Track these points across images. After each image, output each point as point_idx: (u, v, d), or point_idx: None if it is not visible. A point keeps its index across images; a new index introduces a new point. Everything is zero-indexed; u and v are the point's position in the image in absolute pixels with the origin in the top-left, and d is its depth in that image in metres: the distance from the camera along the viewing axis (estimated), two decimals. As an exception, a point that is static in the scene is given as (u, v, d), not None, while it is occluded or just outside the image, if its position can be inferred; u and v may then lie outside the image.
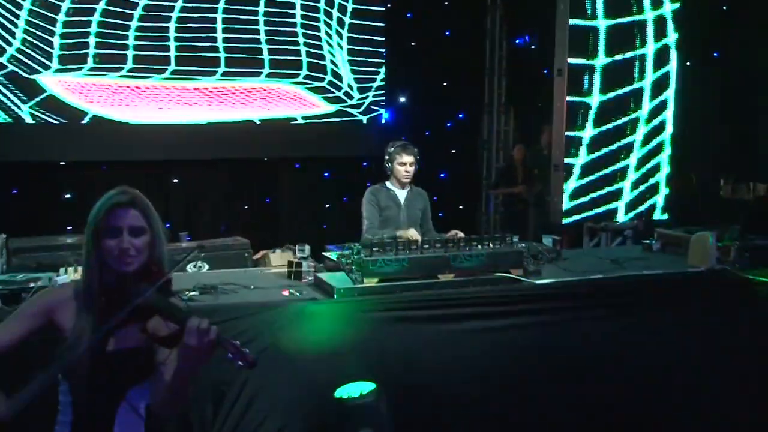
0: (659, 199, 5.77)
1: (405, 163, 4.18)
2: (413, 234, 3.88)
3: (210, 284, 3.32)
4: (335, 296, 3.19)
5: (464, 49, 8.19)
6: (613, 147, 5.55)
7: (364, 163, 8.20)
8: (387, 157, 4.21)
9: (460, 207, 8.84)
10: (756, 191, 5.55)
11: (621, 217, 5.78)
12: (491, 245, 3.44)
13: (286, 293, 3.28)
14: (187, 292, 3.20)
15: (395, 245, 3.29)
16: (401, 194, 4.26)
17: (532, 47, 8.16)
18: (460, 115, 8.63)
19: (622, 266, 3.87)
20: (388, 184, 4.30)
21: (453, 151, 8.58)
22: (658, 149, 5.76)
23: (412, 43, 7.99)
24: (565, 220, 5.51)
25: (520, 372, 3.25)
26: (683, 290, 3.57)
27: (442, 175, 8.72)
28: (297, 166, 7.93)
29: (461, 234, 3.89)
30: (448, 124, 8.46)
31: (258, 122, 7.11)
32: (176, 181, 7.36)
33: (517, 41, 8.44)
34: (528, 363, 3.27)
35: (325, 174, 8.11)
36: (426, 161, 8.54)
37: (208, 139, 7.05)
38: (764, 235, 4.15)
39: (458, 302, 3.27)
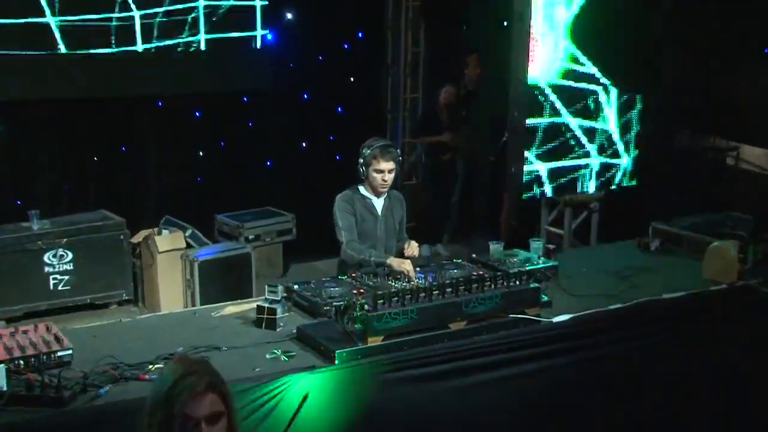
0: (624, 162, 6.17)
1: (383, 171, 4.23)
2: (409, 269, 3.95)
3: (171, 353, 3.22)
4: (336, 361, 3.22)
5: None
6: (577, 106, 5.82)
7: (244, 98, 8.02)
8: (361, 160, 4.18)
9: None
10: (740, 155, 6.06)
11: (587, 188, 6.14)
12: (506, 284, 3.61)
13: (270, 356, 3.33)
14: (150, 366, 3.10)
15: (402, 296, 3.37)
16: (378, 203, 4.36)
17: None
18: (359, 34, 8.56)
19: (631, 282, 4.23)
20: (361, 189, 4.34)
21: (352, 79, 8.56)
22: (629, 105, 6.11)
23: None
24: (525, 195, 5.78)
25: (543, 419, 3.53)
26: (708, 312, 4.02)
27: (339, 109, 8.73)
28: (159, 104, 7.57)
29: (414, 246, 4.10)
30: (346, 46, 8.38)
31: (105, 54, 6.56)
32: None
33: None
34: (550, 409, 3.58)
35: (197, 113, 7.82)
36: (320, 92, 8.52)
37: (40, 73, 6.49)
38: None
39: (473, 352, 3.50)
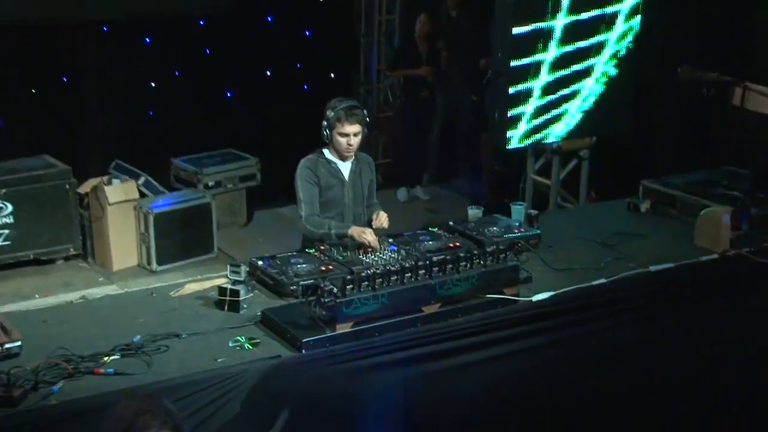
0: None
1: (348, 134, 4.34)
2: (371, 239, 4.10)
3: (127, 343, 3.38)
4: (304, 350, 3.40)
5: None
6: (573, 68, 5.90)
7: (200, 22, 8.01)
8: (325, 123, 4.28)
9: (332, 75, 9.00)
10: (748, 99, 6.14)
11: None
12: (483, 262, 3.77)
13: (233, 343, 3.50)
14: (105, 358, 3.25)
15: (372, 279, 3.52)
16: (344, 167, 4.46)
17: None
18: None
19: (618, 251, 4.43)
20: (327, 153, 4.45)
21: (321, -1, 8.58)
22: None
23: None
24: (510, 146, 5.90)
25: (522, 401, 3.78)
26: (699, 284, 4.25)
27: (307, 33, 8.76)
28: (104, 29, 7.56)
29: (383, 217, 4.30)
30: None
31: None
32: None
33: None
34: (529, 390, 3.82)
35: (146, 40, 7.82)
36: (285, 14, 8.48)
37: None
38: None
39: (447, 336, 3.68)
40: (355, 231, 4.22)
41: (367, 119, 4.40)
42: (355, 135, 4.33)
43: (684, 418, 4.16)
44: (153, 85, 7.95)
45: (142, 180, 6.75)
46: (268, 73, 8.53)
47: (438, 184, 8.52)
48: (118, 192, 6.43)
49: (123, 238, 6.43)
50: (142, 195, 6.65)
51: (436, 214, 7.72)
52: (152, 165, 7.17)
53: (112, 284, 6.25)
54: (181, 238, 6.51)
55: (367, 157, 4.60)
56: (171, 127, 7.75)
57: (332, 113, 4.30)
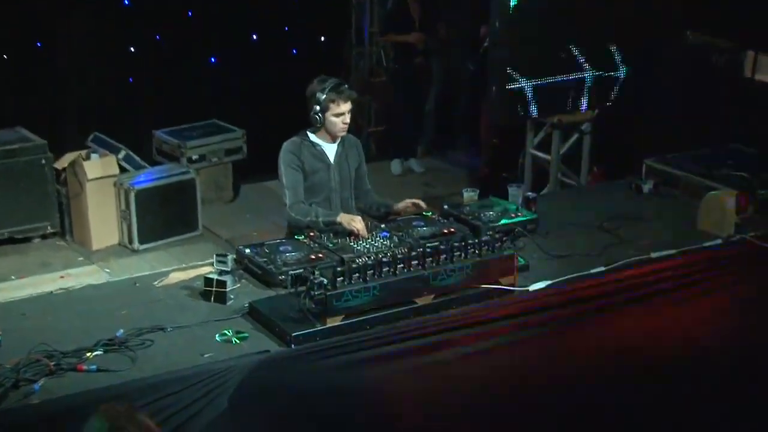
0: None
1: (343, 113, 4.37)
2: (360, 227, 4.19)
3: (111, 337, 3.47)
4: (293, 345, 3.50)
5: None
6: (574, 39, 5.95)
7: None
8: (317, 107, 4.34)
9: (322, 38, 9.01)
10: (759, 70, 6.15)
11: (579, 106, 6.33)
12: (478, 251, 3.86)
13: (221, 337, 3.61)
14: (88, 354, 3.34)
15: (363, 270, 3.60)
16: (330, 150, 4.53)
17: None
18: None
19: (618, 236, 4.52)
20: (312, 135, 4.52)
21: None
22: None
23: None
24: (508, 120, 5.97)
25: (518, 393, 3.91)
26: (702, 272, 4.35)
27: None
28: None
29: (420, 203, 4.32)
30: None
31: None
32: None
33: None
34: (525, 382, 3.94)
35: (125, 1, 7.82)
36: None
37: None
38: None
39: (441, 327, 3.79)
40: (343, 218, 4.31)
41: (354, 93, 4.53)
42: (348, 112, 4.44)
43: (686, 412, 4.28)
44: (132, 50, 7.95)
45: (122, 154, 6.79)
46: (254, 37, 8.54)
47: (433, 156, 8.58)
48: (97, 167, 6.48)
49: (103, 216, 6.49)
50: (123, 170, 6.70)
51: (432, 188, 7.80)
52: (133, 137, 7.22)
53: (92, 264, 6.32)
54: (163, 215, 6.58)
55: (353, 139, 4.68)
56: (152, 97, 7.78)
57: (323, 95, 4.37)
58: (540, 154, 6.81)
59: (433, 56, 8.10)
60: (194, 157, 7.17)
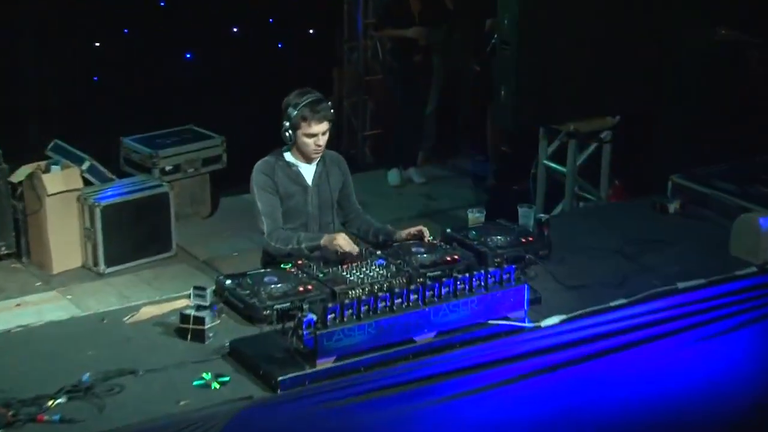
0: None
1: (315, 134, 4.47)
2: (344, 242, 4.23)
3: (75, 383, 3.50)
4: (279, 390, 3.55)
5: None
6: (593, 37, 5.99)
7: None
8: (286, 123, 4.40)
9: (310, 31, 9.06)
10: None
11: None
12: (484, 283, 3.92)
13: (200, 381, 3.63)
14: (50, 402, 3.39)
15: (358, 306, 3.67)
16: (307, 171, 4.64)
17: None
18: None
19: (641, 264, 4.59)
20: (287, 155, 4.58)
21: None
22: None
23: None
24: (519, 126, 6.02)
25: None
26: (735, 303, 4.40)
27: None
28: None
29: (425, 231, 4.39)
30: None
31: None
32: None
33: None
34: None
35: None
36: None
37: None
38: None
39: (443, 370, 3.80)
40: (326, 240, 4.37)
41: (332, 110, 4.55)
42: (323, 134, 4.49)
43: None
44: (98, 45, 8.00)
45: (86, 165, 6.84)
46: (235, 30, 8.59)
47: (435, 165, 8.64)
48: (58, 180, 6.52)
49: (64, 235, 6.54)
50: (87, 183, 6.75)
51: (434, 201, 7.86)
52: (98, 146, 7.26)
53: (51, 290, 6.36)
54: (133, 234, 6.63)
55: (335, 156, 4.74)
56: (120, 99, 7.82)
57: (295, 111, 4.43)
58: (554, 166, 6.86)
59: (434, 53, 8.16)
60: (168, 167, 7.22)
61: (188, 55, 8.35)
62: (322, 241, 4.37)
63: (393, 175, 8.24)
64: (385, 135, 8.89)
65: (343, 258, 4.32)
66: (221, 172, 7.60)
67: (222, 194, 7.75)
